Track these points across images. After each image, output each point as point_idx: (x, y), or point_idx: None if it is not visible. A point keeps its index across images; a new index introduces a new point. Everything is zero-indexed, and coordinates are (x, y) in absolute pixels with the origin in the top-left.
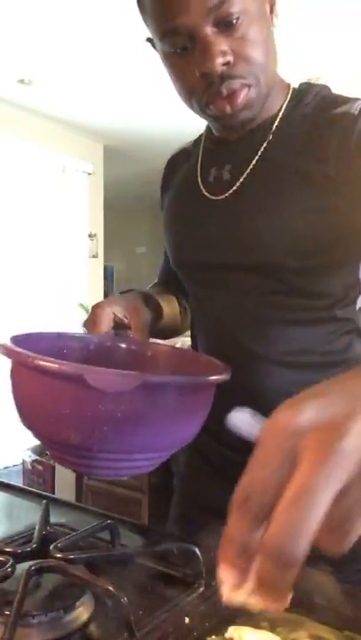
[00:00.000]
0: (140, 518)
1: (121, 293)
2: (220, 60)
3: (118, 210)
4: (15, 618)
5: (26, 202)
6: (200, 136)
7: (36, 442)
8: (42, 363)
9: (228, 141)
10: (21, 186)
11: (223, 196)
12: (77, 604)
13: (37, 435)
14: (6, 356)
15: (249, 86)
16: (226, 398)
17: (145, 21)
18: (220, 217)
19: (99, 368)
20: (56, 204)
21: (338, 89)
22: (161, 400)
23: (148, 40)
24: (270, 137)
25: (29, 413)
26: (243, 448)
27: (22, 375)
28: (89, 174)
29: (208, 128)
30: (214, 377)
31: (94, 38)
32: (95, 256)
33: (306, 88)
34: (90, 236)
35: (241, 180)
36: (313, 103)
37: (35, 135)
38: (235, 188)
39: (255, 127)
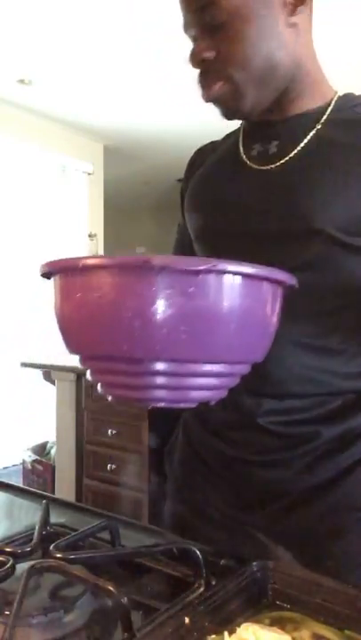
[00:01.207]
0: (140, 518)
1: None
2: (198, 57)
3: (118, 210)
4: (15, 618)
5: (26, 202)
6: (231, 132)
7: (36, 442)
8: (94, 261)
9: (271, 121)
10: (21, 186)
11: (270, 167)
12: (77, 604)
13: (90, 357)
14: (52, 269)
15: (228, 79)
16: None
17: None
18: (267, 186)
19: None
20: (56, 203)
21: (338, 88)
22: (232, 293)
23: None
24: (323, 121)
25: (81, 331)
26: (240, 443)
27: (72, 287)
28: (89, 174)
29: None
30: (286, 275)
31: (94, 38)
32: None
33: (352, 95)
34: (90, 235)
35: (291, 154)
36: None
37: (35, 135)
38: (285, 160)
39: (303, 112)
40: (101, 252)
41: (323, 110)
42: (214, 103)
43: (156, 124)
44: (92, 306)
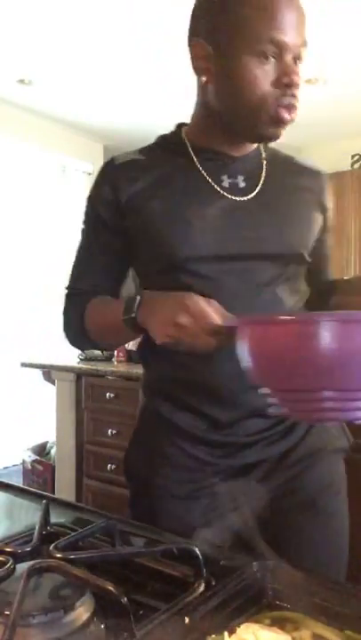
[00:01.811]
0: None
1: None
2: (297, 78)
3: None
4: (15, 618)
5: (26, 202)
6: (149, 147)
7: (36, 442)
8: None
9: (232, 156)
10: (21, 186)
11: (246, 198)
12: (77, 604)
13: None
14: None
15: (295, 112)
16: (234, 382)
17: (220, 23)
18: (245, 214)
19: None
20: (56, 204)
21: (338, 89)
22: None
23: (195, 42)
24: (265, 163)
25: (284, 373)
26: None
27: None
28: (89, 174)
29: (184, 143)
30: None
31: (94, 38)
32: None
33: None
34: None
35: (257, 189)
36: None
37: (35, 135)
38: (254, 194)
39: (252, 151)
40: None
41: (258, 149)
42: (285, 125)
43: (156, 124)
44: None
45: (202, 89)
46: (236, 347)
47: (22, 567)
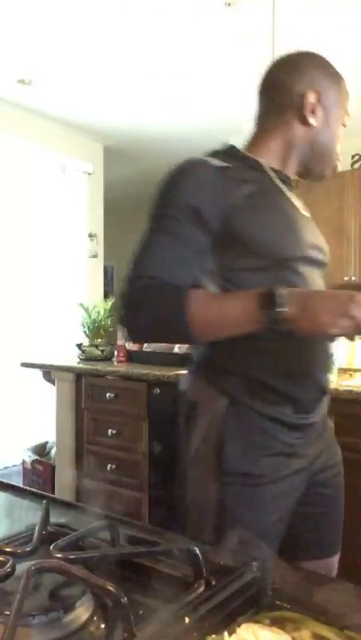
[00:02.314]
0: (140, 518)
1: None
2: None
3: (118, 210)
4: (15, 618)
5: (26, 202)
6: (227, 161)
7: (36, 442)
8: None
9: (290, 181)
10: (21, 186)
11: (307, 215)
12: (77, 604)
13: None
14: None
15: None
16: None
17: (335, 91)
18: (310, 227)
19: None
20: (56, 203)
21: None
22: None
23: (314, 90)
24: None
25: None
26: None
27: None
28: (89, 174)
29: (259, 163)
30: None
31: (94, 38)
32: (95, 256)
33: None
34: (90, 235)
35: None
36: None
37: (35, 135)
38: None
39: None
40: (101, 251)
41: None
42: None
43: (156, 124)
44: None
45: (291, 127)
46: None
47: (22, 567)
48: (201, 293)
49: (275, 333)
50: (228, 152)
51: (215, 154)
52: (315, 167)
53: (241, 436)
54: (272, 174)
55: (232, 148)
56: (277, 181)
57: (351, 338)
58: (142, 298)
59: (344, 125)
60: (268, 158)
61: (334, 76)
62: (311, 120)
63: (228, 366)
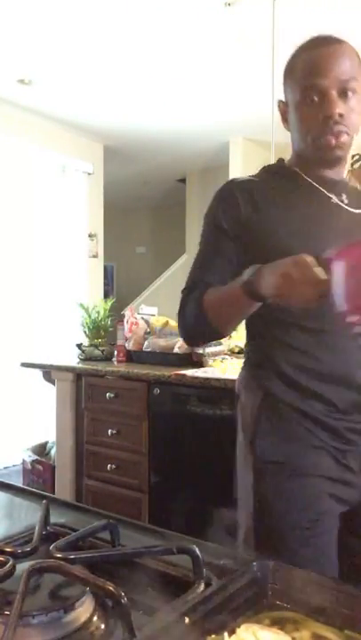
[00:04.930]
0: (140, 518)
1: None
2: (337, 111)
3: (118, 210)
4: (15, 618)
5: (26, 202)
6: (260, 175)
7: (36, 442)
8: None
9: (331, 179)
10: (21, 186)
11: (357, 211)
12: (77, 604)
13: None
14: None
15: (348, 134)
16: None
17: (287, 84)
18: (347, 225)
19: None
20: (56, 203)
21: None
22: None
23: (279, 102)
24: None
25: None
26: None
27: None
28: (89, 174)
29: (293, 171)
30: None
31: (94, 38)
32: (95, 256)
33: None
34: (90, 235)
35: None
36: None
37: (35, 135)
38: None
39: (344, 177)
40: (101, 251)
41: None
42: (335, 148)
43: (156, 124)
44: None
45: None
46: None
47: (22, 567)
48: (212, 289)
49: (302, 331)
50: (270, 166)
51: (264, 169)
52: (306, 154)
53: (272, 427)
54: (307, 179)
55: (279, 160)
56: (311, 182)
57: (286, 300)
58: (181, 309)
59: (313, 99)
60: (298, 165)
61: (290, 63)
62: (285, 126)
63: (264, 362)
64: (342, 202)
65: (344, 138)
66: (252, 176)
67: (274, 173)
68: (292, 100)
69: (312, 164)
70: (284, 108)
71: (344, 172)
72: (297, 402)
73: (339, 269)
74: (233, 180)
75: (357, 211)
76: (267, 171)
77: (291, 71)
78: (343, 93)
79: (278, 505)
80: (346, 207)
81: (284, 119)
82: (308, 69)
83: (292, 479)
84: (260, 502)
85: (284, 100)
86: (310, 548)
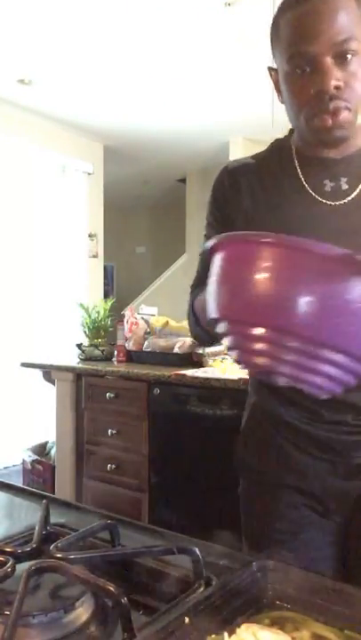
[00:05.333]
0: (140, 518)
1: None
2: (333, 83)
3: (118, 210)
4: (15, 618)
5: (26, 202)
6: (263, 153)
7: (36, 442)
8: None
9: (333, 159)
10: (21, 186)
11: (345, 201)
12: (77, 604)
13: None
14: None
15: (349, 109)
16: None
17: (275, 49)
18: (341, 218)
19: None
20: (56, 203)
21: None
22: None
23: (269, 69)
24: None
25: (253, 301)
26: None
27: (255, 257)
28: (89, 174)
29: (290, 148)
30: None
31: (94, 39)
32: (95, 256)
33: None
34: (90, 235)
35: (357, 191)
36: None
37: (35, 135)
38: (353, 196)
39: (356, 151)
40: (101, 251)
41: None
42: (334, 129)
43: (156, 124)
44: (290, 282)
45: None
46: None
47: (22, 567)
48: (200, 288)
49: None
50: (277, 140)
51: (271, 145)
52: (304, 136)
53: (251, 432)
54: (296, 161)
55: (287, 135)
56: (298, 168)
57: None
58: (189, 307)
59: (303, 69)
60: (297, 143)
61: (274, 23)
62: (279, 98)
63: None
64: (339, 187)
65: (344, 115)
66: (254, 155)
67: (275, 151)
68: (280, 69)
69: (310, 145)
70: (276, 76)
71: (354, 147)
72: (278, 409)
73: (215, 266)
74: (226, 167)
75: (338, 202)
76: (271, 148)
77: (276, 34)
78: (341, 58)
79: (259, 510)
80: (324, 200)
81: (277, 89)
82: (293, 32)
83: (268, 488)
84: (243, 506)
85: (276, 70)
86: (293, 554)
